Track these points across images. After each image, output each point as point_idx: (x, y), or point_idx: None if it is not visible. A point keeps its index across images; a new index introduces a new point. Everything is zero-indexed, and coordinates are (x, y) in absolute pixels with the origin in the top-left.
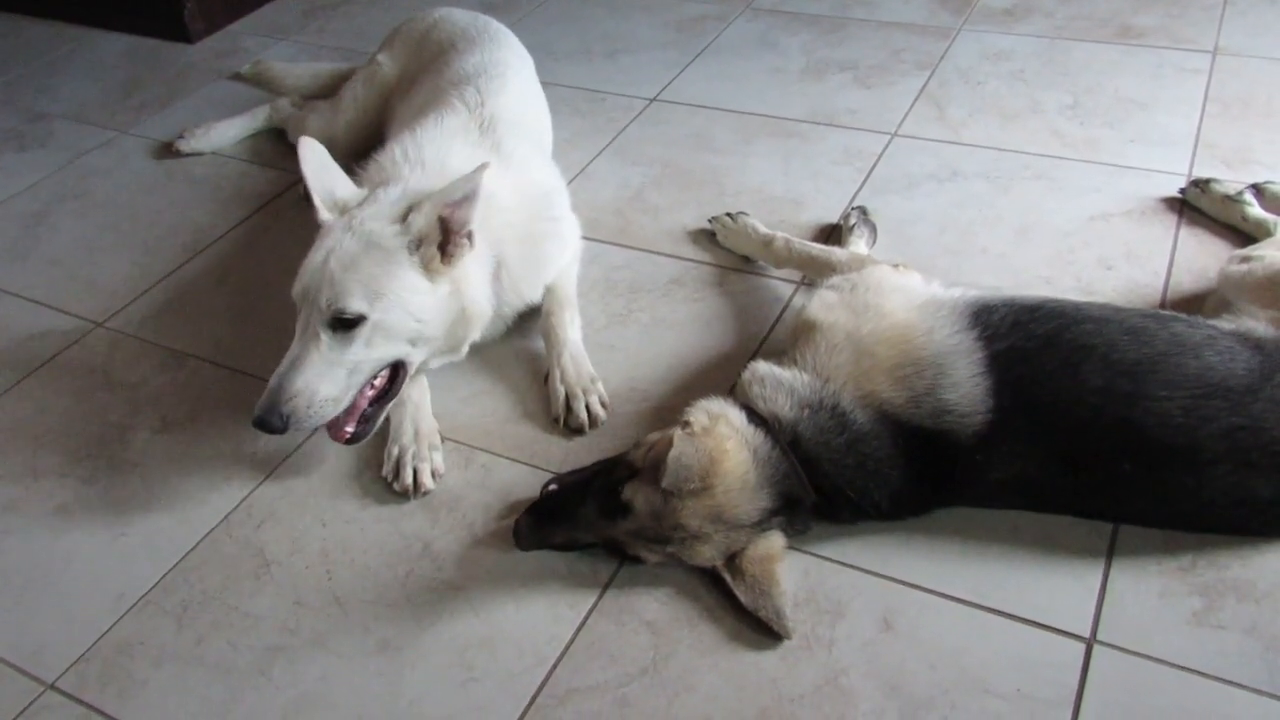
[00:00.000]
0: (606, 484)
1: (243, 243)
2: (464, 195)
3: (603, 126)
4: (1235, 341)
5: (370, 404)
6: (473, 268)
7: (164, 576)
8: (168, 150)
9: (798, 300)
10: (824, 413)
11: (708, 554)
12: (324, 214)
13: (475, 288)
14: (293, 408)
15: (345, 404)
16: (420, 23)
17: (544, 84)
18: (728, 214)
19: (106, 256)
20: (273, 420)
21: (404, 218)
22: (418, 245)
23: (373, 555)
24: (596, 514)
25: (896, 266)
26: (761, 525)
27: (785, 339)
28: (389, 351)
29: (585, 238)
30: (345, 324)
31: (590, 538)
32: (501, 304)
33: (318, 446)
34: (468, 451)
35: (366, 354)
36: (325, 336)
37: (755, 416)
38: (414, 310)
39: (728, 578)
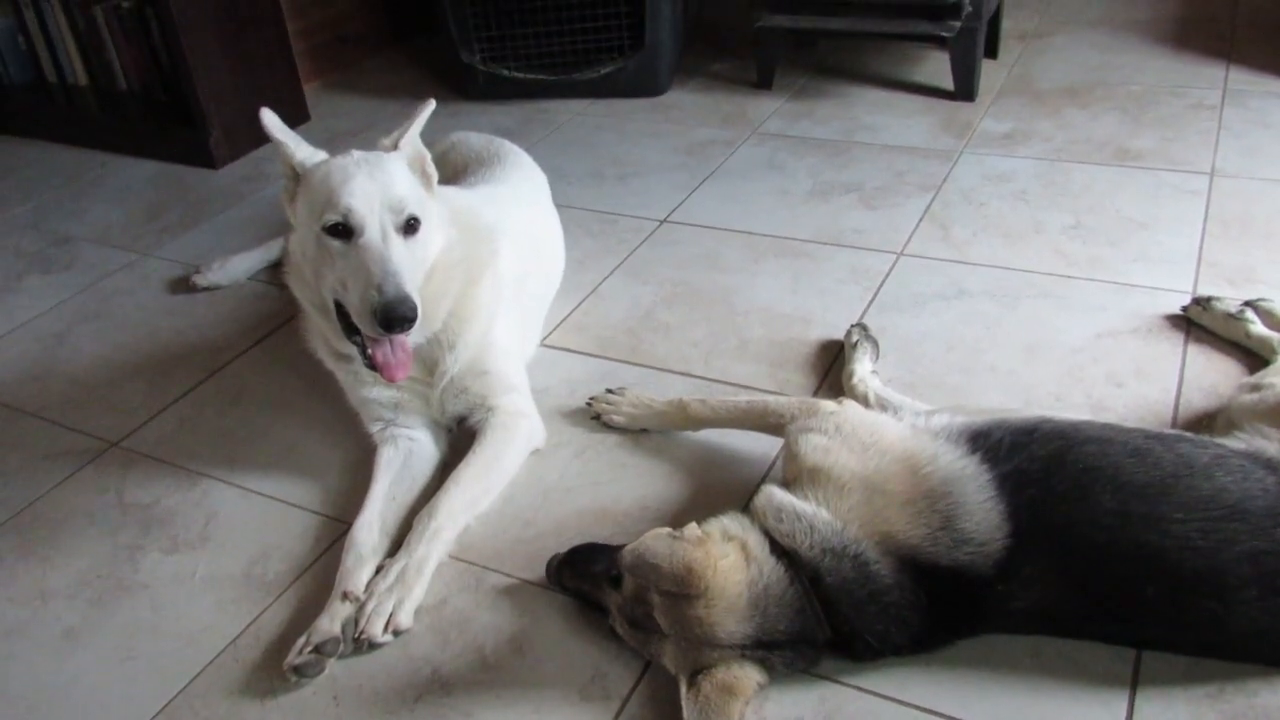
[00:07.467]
0: (619, 554)
1: (258, 362)
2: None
3: (614, 247)
4: (1247, 461)
5: None
6: (437, 207)
7: (169, 703)
8: (184, 285)
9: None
10: (847, 561)
11: (671, 657)
12: (300, 156)
13: (442, 228)
14: (410, 295)
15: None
16: (436, 148)
17: (557, 206)
18: (608, 390)
19: (124, 376)
20: (408, 308)
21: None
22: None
23: (380, 680)
24: (602, 576)
25: (840, 401)
26: (742, 652)
27: (786, 471)
28: None
29: (598, 356)
30: (412, 230)
31: (594, 596)
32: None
33: (326, 569)
34: (479, 572)
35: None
36: (402, 243)
37: (778, 548)
38: (431, 225)
39: (682, 687)
